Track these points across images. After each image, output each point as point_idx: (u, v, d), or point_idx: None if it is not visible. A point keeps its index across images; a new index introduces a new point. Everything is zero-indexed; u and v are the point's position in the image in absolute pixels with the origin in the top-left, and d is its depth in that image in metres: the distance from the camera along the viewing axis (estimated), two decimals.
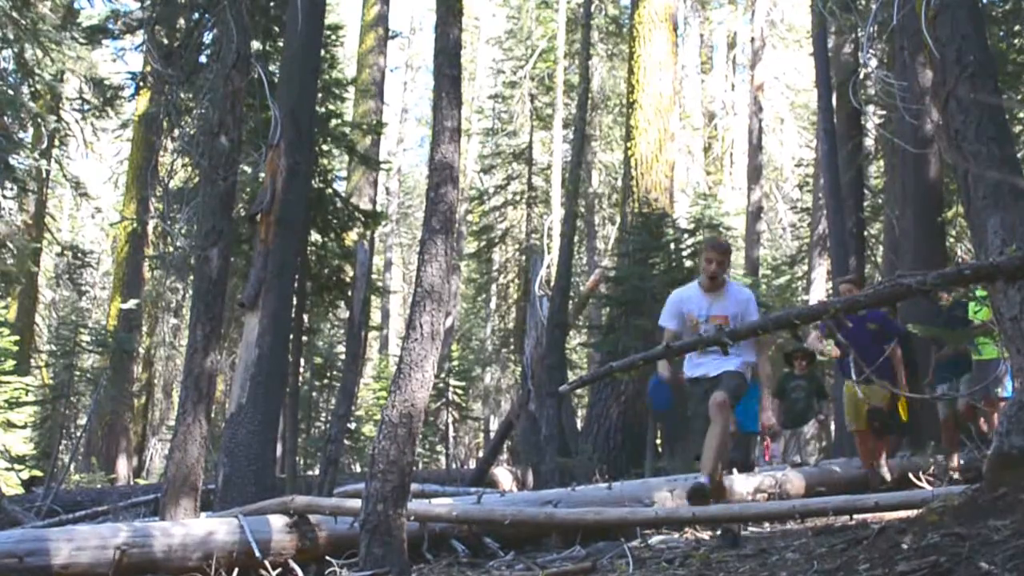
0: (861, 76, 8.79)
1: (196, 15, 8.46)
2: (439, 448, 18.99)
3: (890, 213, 12.23)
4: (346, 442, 12.71)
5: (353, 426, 16.03)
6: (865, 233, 14.32)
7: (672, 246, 12.87)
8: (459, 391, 18.30)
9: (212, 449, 10.27)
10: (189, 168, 9.50)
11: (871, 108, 14.20)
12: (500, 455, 14.50)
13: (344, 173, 17.08)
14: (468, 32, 26.09)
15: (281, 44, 10.01)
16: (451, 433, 18.08)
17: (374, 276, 18.87)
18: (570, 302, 13.21)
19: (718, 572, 3.77)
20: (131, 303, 16.34)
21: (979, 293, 7.26)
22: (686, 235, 13.57)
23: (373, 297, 14.82)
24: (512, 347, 21.08)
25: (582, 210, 18.90)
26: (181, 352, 16.85)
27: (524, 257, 20.46)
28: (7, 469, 12.25)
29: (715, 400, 4.86)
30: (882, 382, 6.79)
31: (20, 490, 11.45)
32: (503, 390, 22.95)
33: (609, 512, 5.30)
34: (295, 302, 9.45)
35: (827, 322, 6.91)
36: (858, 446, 7.62)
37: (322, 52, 10.07)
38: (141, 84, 11.56)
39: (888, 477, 7.24)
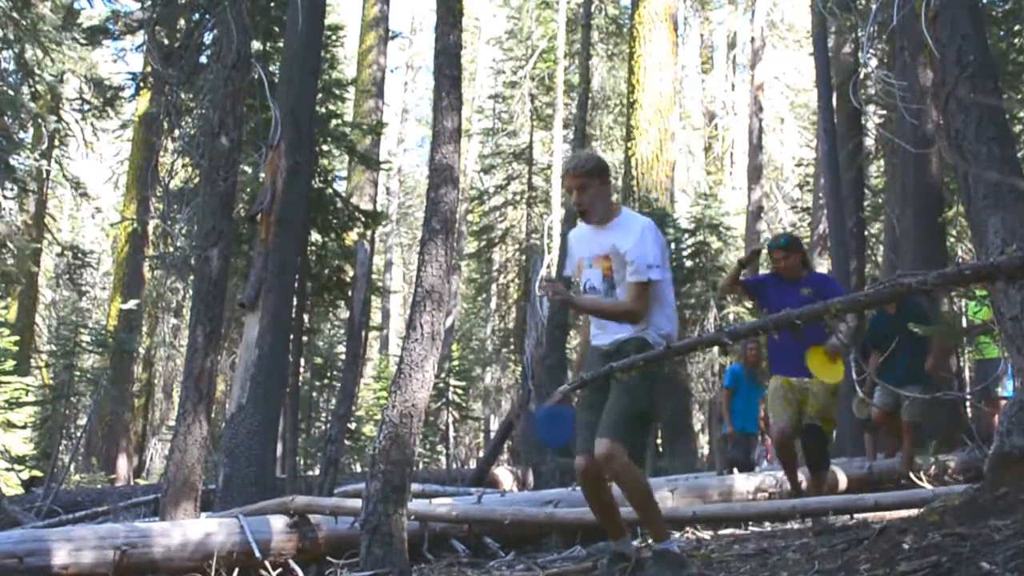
0: (861, 76, 8.79)
1: (196, 15, 8.46)
2: (439, 448, 19.00)
3: (890, 213, 12.23)
4: (346, 442, 12.71)
5: (353, 426, 16.03)
6: (865, 233, 14.33)
7: (672, 246, 12.87)
8: (459, 391, 18.30)
9: (212, 449, 10.28)
10: (189, 168, 9.51)
11: (871, 108, 14.21)
12: (500, 455, 14.50)
13: (344, 173, 17.09)
14: (468, 32, 26.10)
15: (281, 44, 10.01)
16: (451, 433, 18.09)
17: (374, 276, 18.88)
18: None
19: (719, 572, 3.76)
20: (131, 303, 16.35)
21: (979, 293, 7.25)
22: (686, 235, 13.58)
23: (373, 297, 14.83)
24: (512, 347, 21.09)
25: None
26: (181, 352, 16.86)
27: (524, 257, 20.47)
28: (7, 469, 12.24)
29: (599, 454, 3.57)
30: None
31: (20, 490, 11.44)
32: (503, 390, 22.96)
33: None
34: (295, 302, 9.45)
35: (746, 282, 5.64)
36: (776, 447, 5.57)
37: (322, 52, 10.07)
38: (141, 84, 11.58)
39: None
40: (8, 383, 13.00)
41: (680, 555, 3.76)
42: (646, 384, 3.67)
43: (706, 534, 5.64)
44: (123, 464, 16.19)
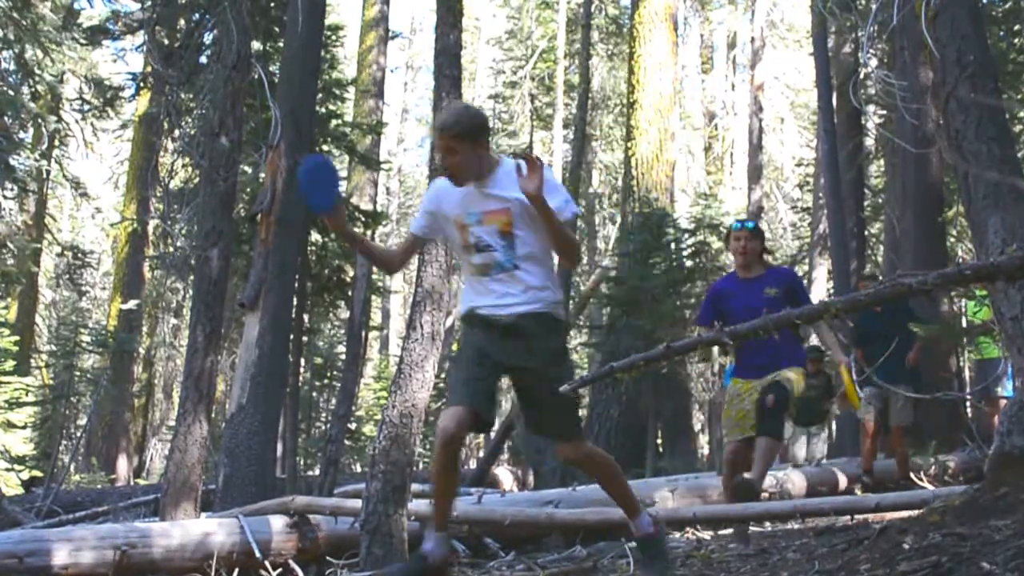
0: (861, 76, 8.79)
1: (196, 15, 8.47)
2: None
3: (890, 213, 12.24)
4: (346, 442, 12.71)
5: (353, 426, 16.03)
6: (865, 233, 14.33)
7: (673, 246, 12.87)
8: None
9: (212, 449, 10.28)
10: (189, 168, 9.51)
11: (871, 108, 14.21)
12: (500, 455, 14.50)
13: (344, 173, 17.08)
14: (468, 32, 26.07)
15: (281, 44, 10.01)
16: None
17: (374, 276, 18.85)
18: (570, 302, 13.20)
19: (719, 572, 3.76)
20: (131, 303, 16.35)
21: (979, 293, 7.25)
22: (687, 235, 13.57)
23: (373, 297, 14.83)
24: None
25: (582, 210, 18.91)
26: (181, 352, 16.86)
27: None
28: (7, 469, 12.25)
29: (566, 457, 3.40)
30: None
31: (20, 490, 11.45)
32: (503, 390, 22.95)
33: (611, 512, 5.29)
34: (295, 302, 9.45)
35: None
36: (726, 464, 5.16)
37: (322, 52, 10.07)
38: (141, 84, 11.57)
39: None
40: (8, 383, 13.01)
41: (655, 536, 3.50)
42: (568, 364, 3.40)
43: (706, 534, 5.64)
44: (123, 464, 16.19)
